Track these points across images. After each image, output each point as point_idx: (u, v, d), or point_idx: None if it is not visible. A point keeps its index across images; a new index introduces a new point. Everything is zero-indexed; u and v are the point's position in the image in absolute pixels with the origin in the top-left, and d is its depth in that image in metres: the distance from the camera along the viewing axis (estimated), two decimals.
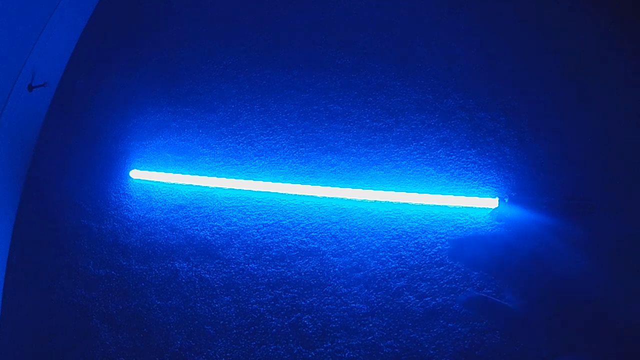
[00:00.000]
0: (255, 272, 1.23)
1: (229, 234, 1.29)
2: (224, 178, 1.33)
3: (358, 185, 1.28)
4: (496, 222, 1.19)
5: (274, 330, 1.17)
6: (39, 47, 1.40)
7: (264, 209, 1.30)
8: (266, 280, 1.22)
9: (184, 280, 1.25)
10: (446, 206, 1.22)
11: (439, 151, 1.29)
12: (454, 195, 1.21)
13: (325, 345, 1.14)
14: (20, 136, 1.42)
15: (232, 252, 1.26)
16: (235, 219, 1.30)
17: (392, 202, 1.24)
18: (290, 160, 1.35)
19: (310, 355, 1.13)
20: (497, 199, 1.19)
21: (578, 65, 1.32)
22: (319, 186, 1.27)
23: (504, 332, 1.07)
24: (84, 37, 1.65)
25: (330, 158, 1.33)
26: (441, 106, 1.34)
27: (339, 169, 1.31)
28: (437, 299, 1.14)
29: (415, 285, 1.16)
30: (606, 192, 1.18)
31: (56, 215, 1.39)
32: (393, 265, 1.19)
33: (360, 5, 1.51)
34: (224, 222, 1.30)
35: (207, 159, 1.39)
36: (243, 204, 1.31)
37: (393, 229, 1.23)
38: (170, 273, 1.27)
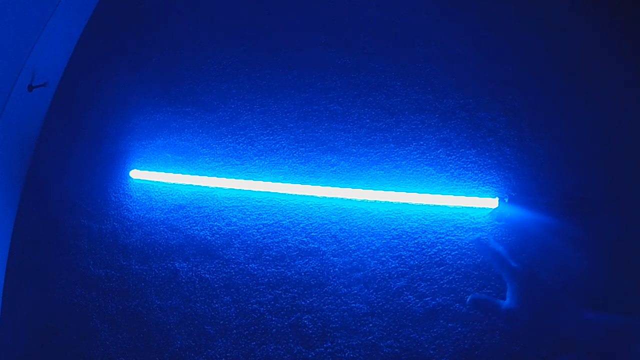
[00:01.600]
0: (255, 272, 1.23)
1: (229, 234, 1.29)
2: (224, 178, 1.33)
3: (358, 185, 1.28)
4: (496, 222, 1.20)
5: (274, 330, 1.17)
6: (39, 47, 1.40)
7: (264, 209, 1.30)
8: (266, 280, 1.22)
9: (184, 280, 1.25)
10: (446, 206, 1.22)
11: (439, 151, 1.29)
12: (454, 195, 1.21)
13: (325, 345, 1.14)
14: (20, 136, 1.42)
15: (232, 252, 1.26)
16: (235, 219, 1.30)
17: (392, 202, 1.24)
18: (290, 160, 1.34)
19: (310, 355, 1.13)
20: (497, 199, 1.19)
21: (578, 65, 1.32)
22: (319, 186, 1.27)
23: (504, 331, 1.07)
24: (84, 37, 1.65)
25: (330, 158, 1.33)
26: (441, 106, 1.34)
27: (339, 169, 1.31)
28: (437, 299, 1.14)
29: (415, 285, 1.16)
30: (606, 192, 1.18)
31: (56, 215, 1.39)
32: (393, 265, 1.19)
33: (360, 5, 1.51)
34: (224, 222, 1.30)
35: (207, 159, 1.39)
36: (243, 204, 1.31)
37: (393, 229, 1.22)
38: (170, 273, 1.27)
